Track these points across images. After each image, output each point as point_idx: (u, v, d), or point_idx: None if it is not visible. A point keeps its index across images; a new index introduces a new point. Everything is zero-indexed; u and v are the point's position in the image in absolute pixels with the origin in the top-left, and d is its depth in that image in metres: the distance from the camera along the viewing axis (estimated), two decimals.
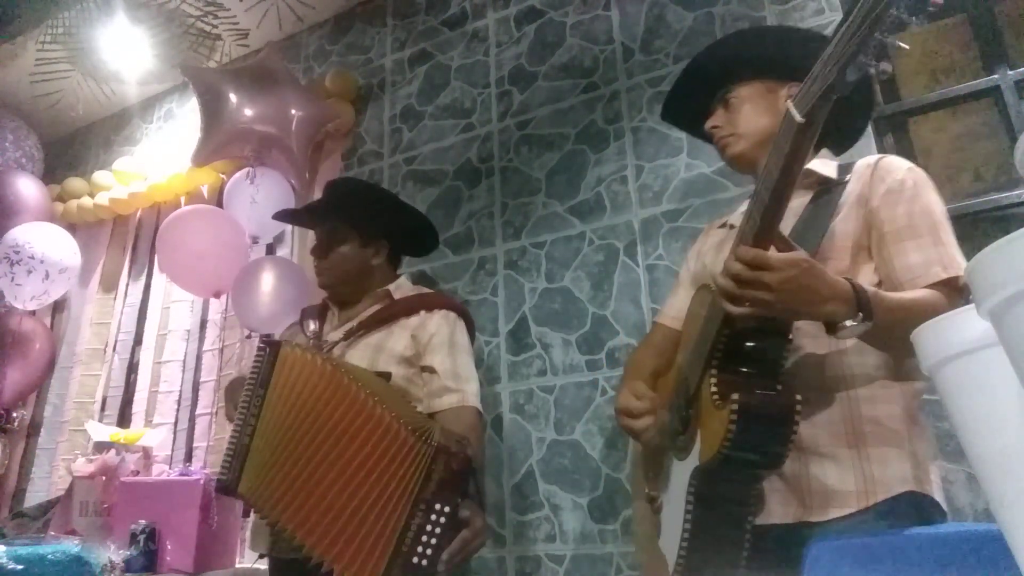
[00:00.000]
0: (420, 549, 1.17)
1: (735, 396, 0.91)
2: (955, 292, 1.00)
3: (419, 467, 1.20)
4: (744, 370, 0.99)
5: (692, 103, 1.31)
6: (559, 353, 2.03)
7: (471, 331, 1.64)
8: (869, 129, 1.78)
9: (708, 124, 1.26)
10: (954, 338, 0.54)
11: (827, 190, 1.12)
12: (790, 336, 0.98)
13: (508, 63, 2.42)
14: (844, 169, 1.14)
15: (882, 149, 1.82)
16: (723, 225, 1.34)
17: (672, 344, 1.32)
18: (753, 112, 1.22)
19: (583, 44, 2.29)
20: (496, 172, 2.31)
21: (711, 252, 1.31)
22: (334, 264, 1.64)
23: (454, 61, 2.55)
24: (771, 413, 0.94)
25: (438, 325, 1.55)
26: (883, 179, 1.10)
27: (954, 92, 1.84)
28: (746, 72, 1.23)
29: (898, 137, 1.91)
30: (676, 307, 1.36)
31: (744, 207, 1.29)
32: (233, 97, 2.46)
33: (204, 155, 2.54)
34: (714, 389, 0.98)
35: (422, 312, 1.57)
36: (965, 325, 0.52)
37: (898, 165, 1.12)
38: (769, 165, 0.90)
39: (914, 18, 0.74)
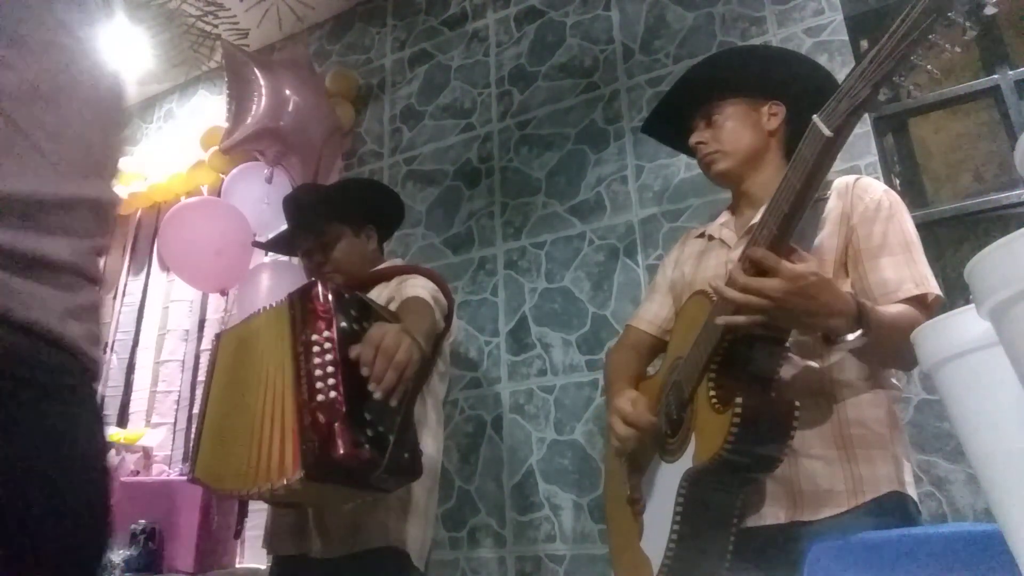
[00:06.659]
0: (320, 385, 1.01)
1: (739, 400, 0.93)
2: (925, 308, 1.05)
3: (282, 325, 1.13)
4: (743, 376, 1.01)
5: (675, 119, 1.33)
6: (559, 353, 2.03)
7: (445, 292, 1.51)
8: (869, 129, 1.78)
9: (692, 140, 1.27)
10: (954, 338, 0.54)
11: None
12: (787, 345, 1.01)
13: (508, 63, 2.42)
14: (824, 185, 1.17)
15: (882, 149, 1.81)
16: (701, 235, 1.36)
17: (647, 348, 1.36)
18: (737, 129, 1.25)
19: (583, 44, 2.29)
20: (496, 172, 2.31)
21: (690, 261, 1.33)
22: (340, 263, 1.58)
23: (454, 61, 2.55)
24: (772, 417, 0.96)
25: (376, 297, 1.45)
26: (861, 198, 1.15)
27: (954, 92, 1.84)
28: (729, 90, 1.26)
29: (898, 137, 1.91)
30: (652, 312, 1.38)
31: (721, 219, 1.33)
32: (267, 92, 2.41)
33: (233, 144, 2.44)
34: (713, 394, 1.00)
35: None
36: (965, 325, 0.52)
37: (876, 187, 1.18)
38: (790, 177, 0.92)
39: (947, 45, 0.77)
